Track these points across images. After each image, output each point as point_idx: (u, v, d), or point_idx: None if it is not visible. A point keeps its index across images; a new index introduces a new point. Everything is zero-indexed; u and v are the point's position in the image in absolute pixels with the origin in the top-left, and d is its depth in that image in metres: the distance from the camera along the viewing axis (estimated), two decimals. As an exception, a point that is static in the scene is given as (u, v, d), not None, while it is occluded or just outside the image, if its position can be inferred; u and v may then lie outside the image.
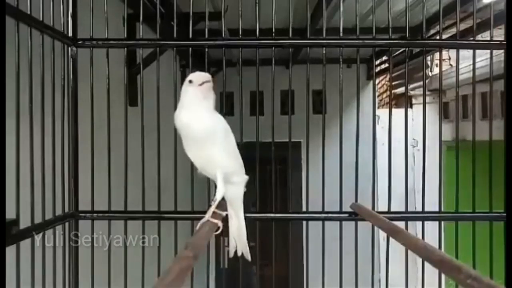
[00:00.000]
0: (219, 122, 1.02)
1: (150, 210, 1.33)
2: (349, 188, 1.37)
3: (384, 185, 1.40)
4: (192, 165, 1.12)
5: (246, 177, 1.11)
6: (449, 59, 4.52)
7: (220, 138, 1.00)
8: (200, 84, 0.98)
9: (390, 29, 1.39)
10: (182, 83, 1.05)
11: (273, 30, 1.37)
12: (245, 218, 1.15)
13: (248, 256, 1.15)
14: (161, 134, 1.32)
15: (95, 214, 1.30)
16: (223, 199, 1.05)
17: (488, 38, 1.39)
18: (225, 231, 1.09)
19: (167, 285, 0.60)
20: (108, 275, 1.28)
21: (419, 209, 1.40)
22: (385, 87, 5.91)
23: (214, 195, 1.04)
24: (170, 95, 1.31)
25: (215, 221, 1.02)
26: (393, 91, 4.22)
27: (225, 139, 1.02)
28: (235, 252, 1.14)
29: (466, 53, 1.62)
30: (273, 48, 1.38)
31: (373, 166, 1.46)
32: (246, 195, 1.12)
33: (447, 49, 2.14)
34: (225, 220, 1.09)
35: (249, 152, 1.14)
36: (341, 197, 1.39)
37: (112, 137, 1.31)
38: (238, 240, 1.14)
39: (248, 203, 1.15)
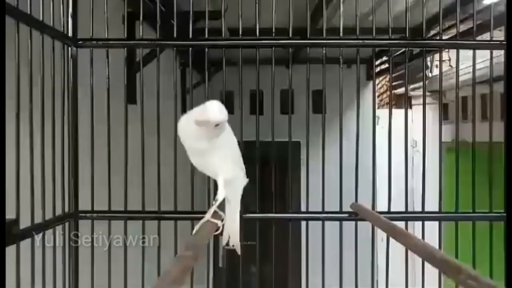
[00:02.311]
0: (221, 137, 0.98)
1: (150, 210, 1.33)
2: (349, 188, 1.37)
3: (384, 185, 1.40)
4: (192, 165, 1.12)
5: (246, 180, 1.11)
6: (449, 60, 4.52)
7: (221, 149, 0.99)
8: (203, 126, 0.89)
9: (390, 29, 1.39)
10: (182, 82, 1.05)
11: (273, 30, 1.37)
12: (245, 218, 1.15)
13: (239, 251, 1.15)
14: (161, 134, 1.32)
15: (95, 214, 1.29)
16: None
17: (488, 39, 1.39)
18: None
19: (167, 285, 0.60)
20: (108, 275, 1.28)
21: (419, 209, 1.40)
22: (385, 87, 5.91)
23: (215, 196, 1.04)
24: (170, 94, 1.31)
25: (215, 221, 1.02)
26: (393, 92, 4.22)
27: (227, 148, 1.01)
28: (227, 244, 1.14)
29: (466, 54, 1.62)
30: (273, 48, 1.38)
31: (373, 166, 1.46)
32: (245, 195, 1.12)
33: (447, 50, 2.14)
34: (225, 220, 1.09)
35: (249, 152, 1.14)
36: (341, 197, 1.39)
37: (112, 137, 1.31)
38: (231, 234, 1.14)
39: (248, 203, 1.15)
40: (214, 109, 0.88)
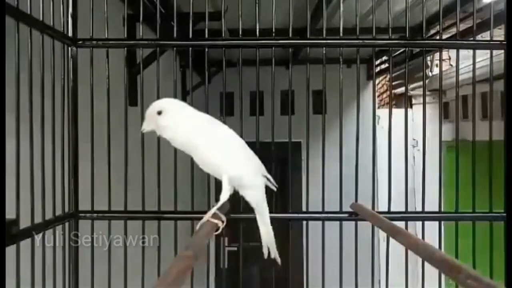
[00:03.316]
0: (192, 130, 1.00)
1: (150, 210, 1.33)
2: (349, 188, 1.37)
3: (384, 185, 1.40)
4: (192, 165, 1.12)
5: (262, 179, 1.09)
6: (449, 59, 4.52)
7: (203, 146, 0.99)
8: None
9: (390, 29, 1.39)
10: (182, 83, 1.05)
11: (273, 30, 1.37)
12: (246, 218, 1.14)
13: (279, 260, 1.15)
14: (161, 134, 1.32)
15: (95, 214, 1.29)
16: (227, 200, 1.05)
17: (488, 38, 1.39)
18: (226, 231, 1.09)
19: (167, 285, 0.60)
20: (108, 275, 1.28)
21: (419, 209, 1.40)
22: (385, 87, 5.91)
23: (216, 196, 1.04)
24: (170, 95, 1.31)
25: (215, 221, 1.02)
26: (393, 91, 4.23)
27: (213, 144, 1.01)
28: (268, 254, 1.15)
29: (466, 53, 1.62)
30: (273, 48, 1.38)
31: (373, 166, 1.46)
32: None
33: (447, 49, 2.14)
34: (225, 221, 1.08)
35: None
36: (341, 197, 1.39)
37: (112, 137, 1.31)
38: (269, 243, 1.13)
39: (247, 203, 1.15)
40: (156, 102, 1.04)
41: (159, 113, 1.00)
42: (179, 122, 1.00)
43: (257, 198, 1.10)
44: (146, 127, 1.03)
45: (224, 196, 1.02)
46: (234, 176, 1.03)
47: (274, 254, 1.14)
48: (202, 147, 0.99)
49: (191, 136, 0.99)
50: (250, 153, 1.08)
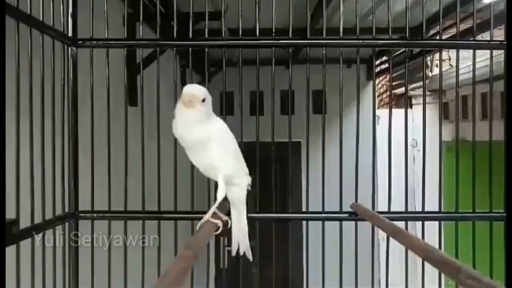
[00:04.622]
0: (213, 129, 1.00)
1: (150, 210, 1.33)
2: (349, 188, 1.37)
3: (384, 185, 1.40)
4: (192, 165, 1.12)
5: (248, 179, 1.11)
6: (449, 59, 4.52)
7: (215, 145, 1.00)
8: (186, 103, 0.95)
9: (390, 29, 1.39)
10: (182, 83, 1.05)
11: (273, 30, 1.37)
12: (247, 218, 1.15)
13: (250, 256, 1.16)
14: (161, 134, 1.32)
15: (95, 214, 1.29)
16: (224, 199, 1.05)
17: (488, 38, 1.39)
18: (225, 231, 1.09)
19: (167, 285, 0.60)
20: (108, 275, 1.28)
21: (419, 209, 1.40)
22: (385, 87, 5.92)
23: (215, 196, 1.04)
24: (170, 95, 1.31)
25: (215, 221, 1.02)
26: (393, 91, 4.22)
27: (223, 144, 1.02)
28: (237, 251, 1.15)
29: (466, 54, 1.62)
30: (273, 48, 1.38)
31: (373, 166, 1.46)
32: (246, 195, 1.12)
33: (447, 50, 2.14)
34: (226, 221, 1.09)
35: (249, 152, 1.14)
36: (341, 197, 1.39)
37: (112, 137, 1.31)
38: (240, 240, 1.14)
39: (248, 203, 1.15)
40: (192, 85, 0.99)
41: (203, 100, 0.97)
42: (210, 116, 1.00)
43: (240, 196, 1.11)
44: (193, 104, 0.95)
45: (221, 194, 1.02)
46: (228, 175, 1.03)
47: (245, 249, 1.14)
48: (211, 146, 0.99)
49: (208, 135, 0.99)
50: (239, 151, 1.09)
